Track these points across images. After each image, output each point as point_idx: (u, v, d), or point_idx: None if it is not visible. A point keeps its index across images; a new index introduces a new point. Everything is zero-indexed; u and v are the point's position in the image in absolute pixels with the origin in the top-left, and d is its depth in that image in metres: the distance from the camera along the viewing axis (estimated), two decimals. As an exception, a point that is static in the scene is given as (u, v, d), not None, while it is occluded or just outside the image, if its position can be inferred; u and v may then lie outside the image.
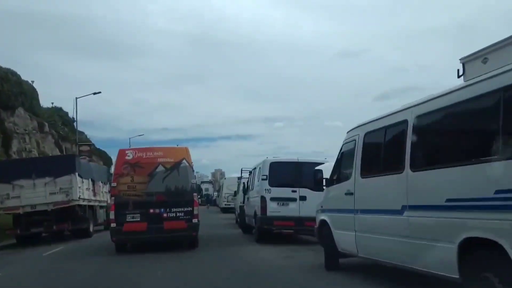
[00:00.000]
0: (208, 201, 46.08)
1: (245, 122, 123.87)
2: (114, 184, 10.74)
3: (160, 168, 10.70)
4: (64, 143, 42.37)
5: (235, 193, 21.74)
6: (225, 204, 30.79)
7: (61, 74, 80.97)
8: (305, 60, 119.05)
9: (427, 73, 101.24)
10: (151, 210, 10.37)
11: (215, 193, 48.75)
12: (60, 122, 46.26)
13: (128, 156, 10.80)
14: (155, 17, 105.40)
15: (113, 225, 10.40)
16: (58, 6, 76.26)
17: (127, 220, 10.30)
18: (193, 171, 11.17)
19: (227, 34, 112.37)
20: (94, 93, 30.90)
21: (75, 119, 33.86)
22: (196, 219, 10.55)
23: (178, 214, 10.44)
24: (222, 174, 61.31)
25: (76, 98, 30.83)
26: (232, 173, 49.02)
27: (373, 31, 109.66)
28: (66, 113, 50.94)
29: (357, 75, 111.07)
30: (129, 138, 49.69)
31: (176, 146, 11.71)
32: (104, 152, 56.69)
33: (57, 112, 49.03)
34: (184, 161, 10.82)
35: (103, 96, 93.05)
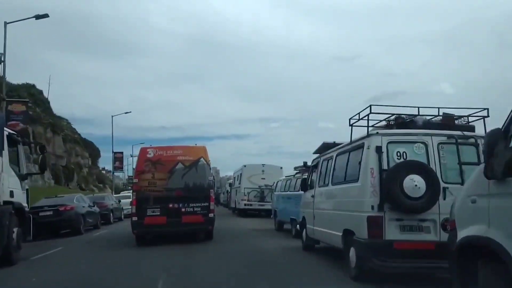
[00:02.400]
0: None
1: (241, 122, 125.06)
2: (136, 180, 11.59)
3: (180, 165, 11.52)
4: (33, 126, 35.76)
5: (306, 184, 10.04)
6: (245, 205, 22.12)
7: (59, 71, 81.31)
8: (302, 63, 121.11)
9: (415, 79, 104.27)
10: (171, 205, 11.18)
11: (219, 190, 41.26)
12: (31, 101, 38.58)
13: (149, 154, 11.58)
14: (156, 17, 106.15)
15: (134, 218, 11.20)
16: (59, 3, 76.93)
17: (147, 214, 11.12)
18: (210, 169, 11.94)
19: (226, 36, 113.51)
20: (37, 17, 20.66)
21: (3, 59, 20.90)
22: (212, 214, 11.41)
23: (195, 209, 11.25)
24: (217, 172, 60.22)
25: (6, 22, 20.12)
26: (227, 172, 44.56)
27: (366, 37, 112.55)
28: (40, 91, 44.48)
29: (350, 78, 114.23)
30: (112, 116, 40.81)
31: (194, 145, 12.35)
32: (91, 143, 56.30)
33: (28, 90, 41.39)
34: (202, 159, 11.64)
35: (101, 93, 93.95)
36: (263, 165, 22.45)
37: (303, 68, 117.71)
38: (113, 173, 47.93)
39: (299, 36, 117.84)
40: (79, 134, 54.23)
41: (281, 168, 22.15)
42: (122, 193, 33.74)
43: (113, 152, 44.05)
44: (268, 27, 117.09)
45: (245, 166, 23.08)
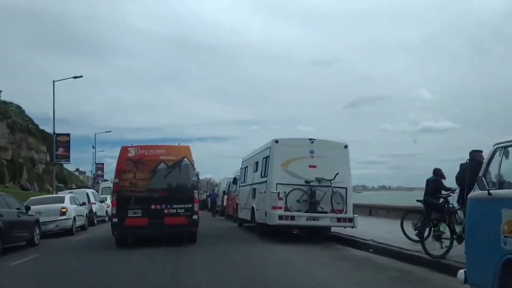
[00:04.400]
0: (212, 203, 28.73)
1: (220, 124, 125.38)
2: (116, 180, 11.19)
3: (162, 165, 11.26)
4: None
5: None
6: (281, 218, 11.05)
7: (36, 69, 78.05)
8: (281, 66, 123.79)
9: (393, 83, 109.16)
10: (153, 206, 10.92)
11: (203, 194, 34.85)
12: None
13: (131, 153, 11.26)
14: (134, 17, 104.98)
15: (115, 220, 10.82)
16: (35, 1, 74.37)
17: (129, 215, 10.82)
18: (194, 169, 11.71)
19: (205, 38, 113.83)
20: None
21: None
22: (196, 216, 11.23)
23: (179, 211, 11.05)
24: (197, 175, 58.19)
25: None
26: (206, 174, 42.40)
27: (345, 42, 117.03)
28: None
29: (329, 82, 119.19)
30: (53, 81, 29.19)
31: (178, 144, 12.07)
32: (51, 136, 53.26)
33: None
34: (185, 159, 11.42)
35: (79, 92, 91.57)
36: (311, 141, 12.17)
37: (282, 72, 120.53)
38: (54, 164, 35.49)
39: (279, 40, 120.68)
40: (35, 125, 50.42)
41: (345, 147, 12.39)
42: (60, 193, 21.71)
43: (54, 133, 31.48)
44: (247, 30, 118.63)
45: (276, 141, 12.17)
